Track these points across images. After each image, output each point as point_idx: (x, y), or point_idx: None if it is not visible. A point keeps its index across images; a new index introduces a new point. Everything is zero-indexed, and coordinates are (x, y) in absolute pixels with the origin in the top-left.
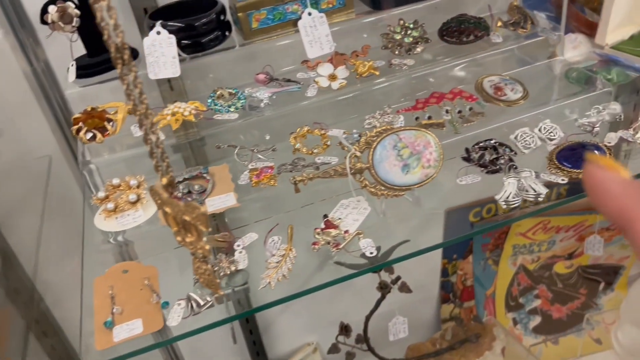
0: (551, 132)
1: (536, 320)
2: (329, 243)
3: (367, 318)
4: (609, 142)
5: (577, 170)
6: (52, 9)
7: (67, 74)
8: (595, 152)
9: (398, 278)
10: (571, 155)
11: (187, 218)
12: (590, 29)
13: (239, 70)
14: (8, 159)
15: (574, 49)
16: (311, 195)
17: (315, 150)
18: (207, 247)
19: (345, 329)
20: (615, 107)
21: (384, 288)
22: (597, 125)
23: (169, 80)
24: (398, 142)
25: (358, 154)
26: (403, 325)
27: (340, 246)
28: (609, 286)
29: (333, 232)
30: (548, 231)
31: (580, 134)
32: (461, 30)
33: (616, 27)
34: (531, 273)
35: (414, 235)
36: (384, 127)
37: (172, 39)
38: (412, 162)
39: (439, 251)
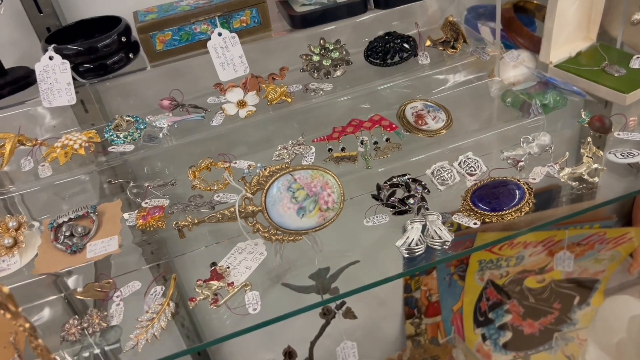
0: (472, 166)
1: (507, 336)
2: (208, 297)
3: (312, 344)
4: (534, 179)
5: (491, 214)
6: None
7: None
8: (516, 191)
9: (343, 303)
10: (488, 194)
11: None
12: (536, 45)
13: (158, 92)
14: None
15: (514, 68)
16: (210, 236)
17: (214, 187)
18: (27, 325)
19: (289, 355)
20: (545, 139)
21: (327, 314)
22: (523, 159)
23: (82, 101)
24: (292, 183)
25: (249, 195)
26: (352, 350)
27: (220, 302)
28: (584, 300)
29: (215, 285)
30: (515, 247)
31: (505, 169)
32: (386, 50)
33: (562, 43)
34: (500, 288)
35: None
36: (278, 167)
37: (66, 64)
38: (308, 204)
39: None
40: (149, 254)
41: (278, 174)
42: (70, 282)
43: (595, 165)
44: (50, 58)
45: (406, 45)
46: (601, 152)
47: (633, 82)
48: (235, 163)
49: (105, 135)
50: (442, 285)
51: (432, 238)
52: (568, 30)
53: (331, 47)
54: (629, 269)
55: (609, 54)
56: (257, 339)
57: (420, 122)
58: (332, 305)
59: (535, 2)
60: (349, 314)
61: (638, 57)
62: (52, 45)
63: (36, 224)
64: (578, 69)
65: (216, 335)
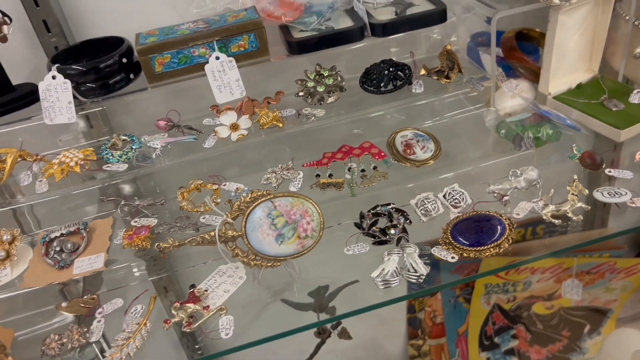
0: (457, 198)
1: None
2: (183, 320)
3: None
4: (518, 214)
5: (469, 249)
6: None
7: None
8: (497, 227)
9: (338, 323)
10: (470, 228)
11: None
12: (537, 75)
13: (160, 111)
14: None
15: (512, 98)
16: (197, 256)
17: (201, 209)
18: None
19: None
20: (533, 173)
21: (322, 333)
22: (508, 194)
23: (87, 117)
24: (272, 210)
25: (230, 220)
26: None
27: (193, 325)
28: (595, 329)
29: (191, 307)
30: (522, 272)
31: (490, 202)
32: (380, 78)
33: (562, 74)
34: (507, 312)
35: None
36: (259, 193)
37: (68, 83)
38: (287, 231)
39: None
40: (141, 271)
41: (259, 200)
42: (60, 296)
43: (580, 204)
44: (53, 77)
45: (400, 74)
46: (586, 191)
47: (630, 117)
48: (224, 185)
49: (101, 154)
50: (447, 307)
51: (409, 271)
52: (568, 61)
53: (326, 74)
54: None
55: (610, 87)
56: (252, 357)
57: (408, 151)
58: (328, 324)
59: (538, 30)
60: (344, 335)
61: (638, 92)
62: (55, 65)
63: (29, 238)
64: (576, 102)
65: (215, 350)
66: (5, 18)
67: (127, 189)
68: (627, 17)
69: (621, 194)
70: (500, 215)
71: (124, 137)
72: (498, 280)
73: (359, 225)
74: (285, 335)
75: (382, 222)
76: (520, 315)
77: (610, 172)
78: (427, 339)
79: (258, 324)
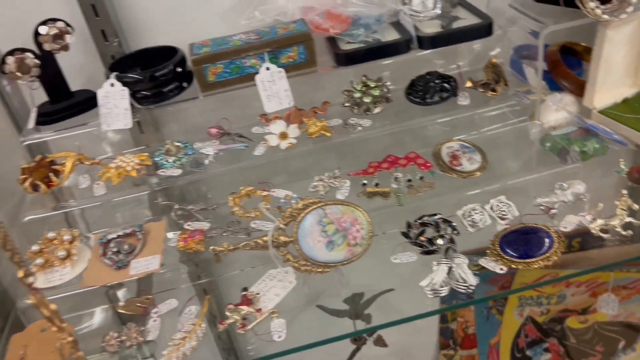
0: (504, 210)
1: None
2: (237, 321)
3: None
4: (565, 227)
5: (517, 260)
6: (9, 59)
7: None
8: (545, 240)
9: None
10: (518, 240)
11: (44, 311)
12: (582, 89)
13: (209, 119)
14: None
15: (556, 112)
16: (244, 261)
17: (251, 214)
18: (70, 338)
19: None
20: (580, 187)
21: (358, 340)
22: (555, 207)
23: (139, 123)
24: (323, 217)
25: (282, 226)
26: None
27: (248, 327)
28: (630, 345)
29: (244, 310)
30: (556, 285)
31: (537, 215)
32: (426, 90)
33: (608, 88)
34: (540, 325)
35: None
36: (310, 200)
37: (125, 91)
38: (337, 239)
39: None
40: (190, 273)
41: (310, 208)
42: (116, 295)
43: (629, 219)
44: (112, 85)
45: (446, 86)
46: (636, 206)
47: None
48: (273, 192)
49: (156, 159)
50: (479, 318)
51: (457, 281)
52: (615, 75)
53: (372, 85)
54: None
55: None
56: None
57: (455, 162)
58: None
59: (583, 44)
60: (380, 342)
61: None
62: (114, 74)
63: (88, 237)
64: (622, 116)
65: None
66: (69, 28)
67: (179, 193)
68: None
69: None
70: (549, 228)
71: (177, 144)
72: (532, 293)
73: (406, 235)
74: (329, 342)
75: (429, 232)
76: (553, 329)
77: None
78: (458, 349)
79: (302, 328)
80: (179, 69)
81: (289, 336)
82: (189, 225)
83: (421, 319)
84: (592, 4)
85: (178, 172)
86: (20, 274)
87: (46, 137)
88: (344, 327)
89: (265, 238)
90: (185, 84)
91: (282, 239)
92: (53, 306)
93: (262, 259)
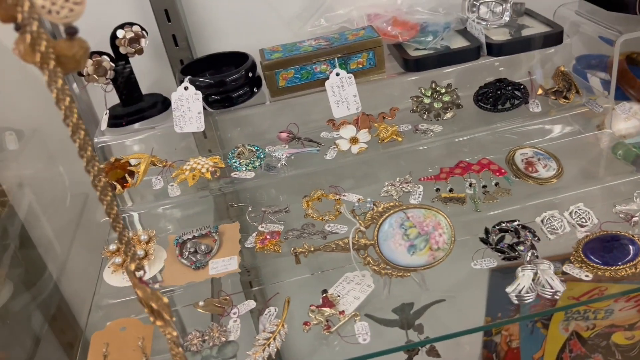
0: (583, 217)
1: None
2: (321, 323)
3: None
4: None
5: (604, 267)
6: (88, 62)
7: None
8: (630, 247)
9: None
10: (600, 248)
11: (153, 305)
12: None
13: (272, 125)
14: (51, 194)
15: (626, 121)
16: (320, 263)
17: (325, 217)
18: (175, 333)
19: None
20: None
21: (411, 350)
22: (637, 215)
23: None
24: (405, 220)
25: (363, 229)
26: None
27: (332, 329)
28: None
29: (327, 311)
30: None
31: (617, 223)
32: (497, 97)
33: None
34: (585, 341)
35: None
36: (392, 204)
37: (199, 94)
38: (419, 243)
39: (482, 308)
40: (262, 276)
41: (391, 211)
42: (189, 296)
43: None
44: (185, 88)
45: (518, 93)
46: None
47: None
48: (344, 196)
49: (229, 162)
50: (524, 332)
51: (543, 287)
52: None
53: (443, 90)
54: None
55: None
56: None
57: (530, 169)
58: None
59: None
60: (433, 352)
61: None
62: (188, 77)
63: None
64: None
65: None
66: (143, 32)
67: (251, 196)
68: None
69: None
70: (632, 236)
71: (249, 147)
72: (579, 307)
73: (485, 241)
74: (398, 350)
75: (508, 239)
76: (598, 344)
77: None
78: None
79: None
80: (250, 74)
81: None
82: (263, 227)
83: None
84: None
85: (251, 174)
86: (132, 266)
87: (119, 139)
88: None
89: (346, 240)
90: (255, 89)
91: (363, 241)
92: (165, 299)
93: (326, 264)
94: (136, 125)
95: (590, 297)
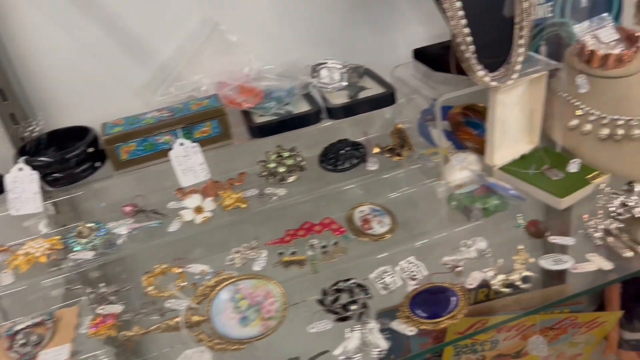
0: (413, 270)
1: None
2: None
3: None
4: (471, 284)
5: (428, 321)
6: None
7: None
8: (451, 298)
9: None
10: (427, 300)
11: None
12: (483, 148)
13: (120, 198)
14: None
15: (460, 171)
16: (162, 341)
17: (166, 294)
18: None
19: None
20: (482, 244)
21: None
22: (461, 264)
23: (55, 204)
24: (236, 293)
25: (194, 305)
26: None
27: None
28: None
29: None
30: (489, 331)
31: (445, 273)
32: (338, 157)
33: (506, 146)
34: None
35: None
36: (221, 277)
37: (34, 175)
38: (250, 314)
39: None
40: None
41: (222, 284)
42: None
43: (526, 273)
44: (20, 169)
45: (356, 152)
46: (533, 259)
47: (569, 186)
48: (189, 267)
49: (67, 242)
50: None
51: (368, 347)
52: (511, 134)
53: (286, 154)
54: (604, 353)
55: (551, 157)
56: None
57: (366, 226)
58: None
59: (482, 105)
60: None
61: (574, 162)
62: (23, 158)
63: None
64: (520, 172)
65: None
66: None
67: (93, 276)
68: (559, 93)
69: (564, 261)
70: (454, 286)
71: (89, 225)
72: (466, 341)
73: (321, 302)
74: None
75: (344, 298)
76: None
77: (554, 239)
78: None
79: None
80: (91, 149)
81: None
82: (102, 309)
83: None
84: (480, 73)
85: (91, 254)
86: None
87: None
88: None
89: (177, 319)
90: (98, 164)
91: (195, 318)
92: None
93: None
94: None
95: (475, 329)
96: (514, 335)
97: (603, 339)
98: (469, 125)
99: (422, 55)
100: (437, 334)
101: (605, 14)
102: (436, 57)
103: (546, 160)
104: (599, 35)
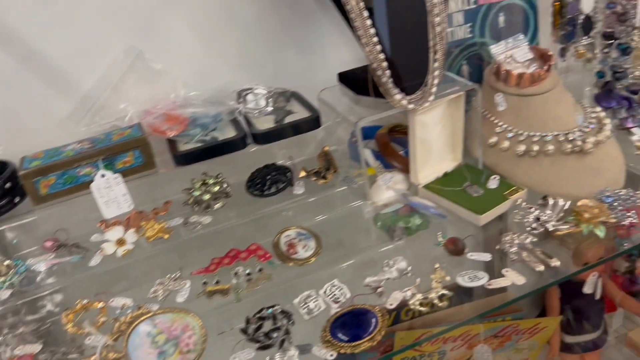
0: (336, 293)
1: None
2: None
3: None
4: (392, 304)
5: (347, 345)
6: None
7: None
8: (371, 320)
9: None
10: (349, 323)
11: None
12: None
13: (43, 234)
14: None
15: (387, 191)
16: None
17: (85, 330)
18: None
19: None
20: (403, 263)
21: None
22: (382, 285)
23: None
24: (153, 328)
25: (111, 342)
26: None
27: None
28: None
29: None
30: (435, 342)
31: (367, 295)
32: (264, 182)
33: (430, 164)
34: None
35: None
36: (138, 312)
37: None
38: (168, 348)
39: None
40: None
41: (139, 320)
42: None
43: (442, 292)
44: None
45: (282, 177)
46: (449, 277)
47: (488, 203)
48: (112, 302)
49: None
50: None
51: None
52: (434, 152)
53: (211, 182)
54: (547, 357)
55: (473, 174)
56: None
57: (291, 250)
58: None
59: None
60: None
61: (494, 178)
62: None
63: None
64: (443, 190)
65: None
66: None
67: (12, 316)
68: (479, 111)
69: (480, 277)
70: (374, 308)
71: (7, 263)
72: (414, 354)
73: (244, 331)
74: None
75: (267, 325)
76: None
77: (472, 255)
78: None
79: None
80: (9, 185)
81: None
82: (19, 350)
83: None
84: (398, 96)
85: (8, 293)
86: None
87: None
88: None
89: (93, 358)
90: (17, 199)
91: (112, 356)
92: None
93: None
94: None
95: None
96: (460, 345)
97: (546, 344)
98: (396, 145)
99: (346, 78)
100: (384, 349)
101: (519, 34)
102: (358, 81)
103: (467, 177)
104: (514, 54)
